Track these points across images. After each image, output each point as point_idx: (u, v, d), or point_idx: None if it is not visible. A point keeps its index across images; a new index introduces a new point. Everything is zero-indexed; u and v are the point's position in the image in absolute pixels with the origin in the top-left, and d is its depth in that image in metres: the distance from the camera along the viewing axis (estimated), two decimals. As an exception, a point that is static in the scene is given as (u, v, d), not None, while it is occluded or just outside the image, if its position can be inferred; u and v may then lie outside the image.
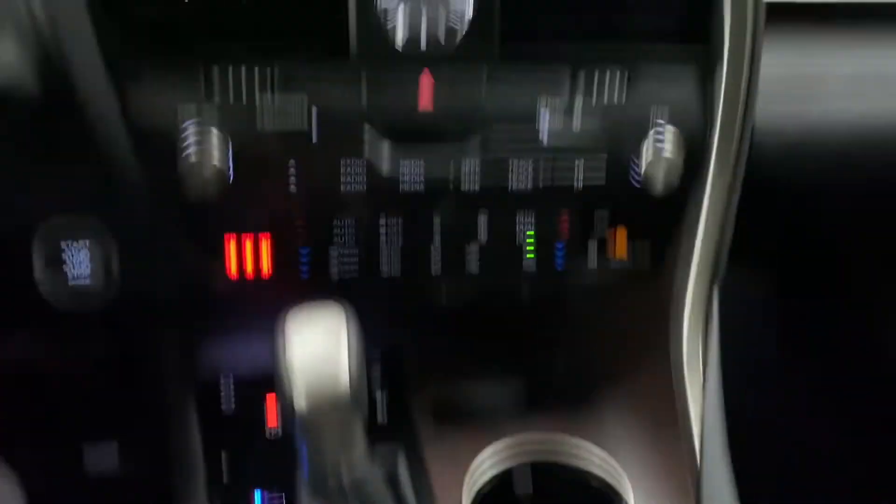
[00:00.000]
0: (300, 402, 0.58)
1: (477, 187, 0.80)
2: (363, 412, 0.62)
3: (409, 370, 0.97)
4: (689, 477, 0.85)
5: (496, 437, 0.90)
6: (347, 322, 0.60)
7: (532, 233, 0.82)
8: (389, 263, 0.81)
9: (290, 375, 0.58)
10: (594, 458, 0.91)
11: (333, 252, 0.79)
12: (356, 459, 0.64)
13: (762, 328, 1.37)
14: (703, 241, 0.84)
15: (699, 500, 0.80)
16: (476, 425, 0.93)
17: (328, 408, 0.59)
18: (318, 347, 0.59)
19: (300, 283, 0.80)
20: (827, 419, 1.40)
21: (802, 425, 1.34)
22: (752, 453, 0.88)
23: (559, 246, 0.83)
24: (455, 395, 0.98)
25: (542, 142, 0.79)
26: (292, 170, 0.75)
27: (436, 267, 0.83)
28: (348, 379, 0.58)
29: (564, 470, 0.91)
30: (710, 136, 0.82)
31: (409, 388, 0.96)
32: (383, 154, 0.77)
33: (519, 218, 0.82)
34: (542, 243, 0.84)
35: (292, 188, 0.76)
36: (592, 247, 0.85)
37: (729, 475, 0.80)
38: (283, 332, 0.60)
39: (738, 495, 0.79)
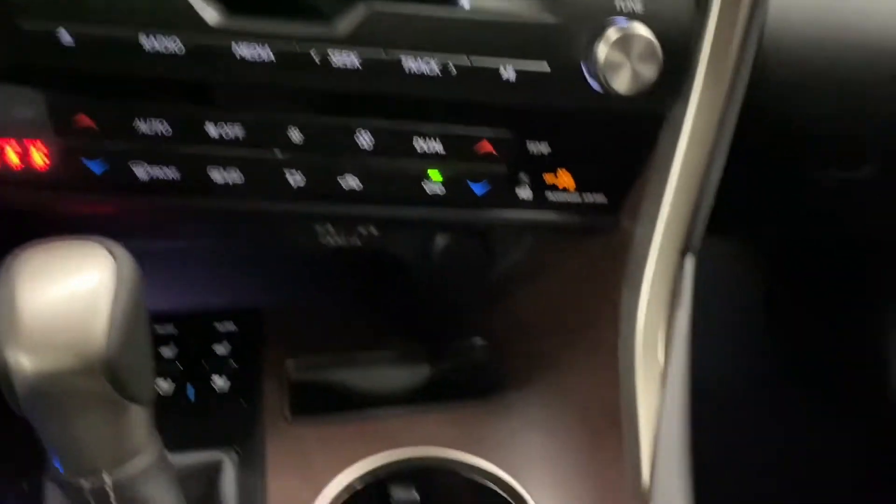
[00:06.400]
0: (21, 361, 0.46)
1: (354, 90, 0.62)
2: (140, 390, 0.52)
3: (249, 337, 0.86)
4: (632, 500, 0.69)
5: (372, 442, 0.78)
6: (120, 265, 0.50)
7: (436, 172, 0.67)
8: (225, 179, 0.66)
9: (10, 325, 0.47)
10: (487, 480, 0.78)
11: (139, 168, 0.63)
12: (127, 455, 0.54)
13: (743, 316, 1.21)
14: (677, 192, 0.69)
15: None
16: (349, 423, 0.81)
17: (68, 374, 0.47)
18: (62, 291, 0.48)
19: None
20: (816, 441, 1.22)
21: (784, 446, 1.16)
22: (720, 472, 0.71)
23: (476, 188, 0.68)
24: (324, 377, 0.86)
25: (454, 34, 0.61)
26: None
27: (295, 191, 0.66)
28: (105, 337, 0.47)
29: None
30: (699, 43, 0.65)
31: (248, 366, 0.84)
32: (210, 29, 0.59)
33: (418, 146, 0.66)
34: (453, 182, 0.68)
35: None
36: (523, 192, 0.70)
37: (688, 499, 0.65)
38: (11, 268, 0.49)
39: None
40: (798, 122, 0.85)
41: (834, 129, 0.87)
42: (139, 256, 0.87)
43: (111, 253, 0.51)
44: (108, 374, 0.48)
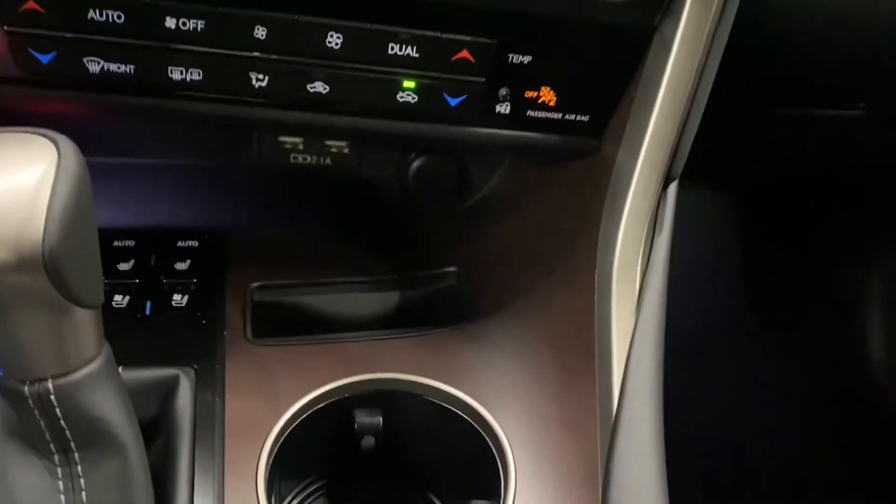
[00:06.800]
0: None
1: None
2: (83, 291, 0.48)
3: (212, 257, 0.83)
4: (599, 431, 0.67)
5: (337, 366, 0.75)
6: (63, 156, 0.46)
7: (411, 81, 0.63)
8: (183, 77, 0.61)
9: None
10: (454, 406, 0.75)
11: (90, 60, 0.59)
12: (72, 362, 0.51)
13: (718, 261, 1.23)
14: (663, 115, 0.65)
15: (609, 467, 0.61)
16: (314, 348, 0.79)
17: (3, 268, 0.44)
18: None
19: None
20: (784, 385, 1.28)
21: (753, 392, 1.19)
22: (690, 413, 0.67)
23: (452, 102, 0.64)
24: (289, 300, 0.84)
25: None
26: None
27: (257, 91, 0.62)
28: (43, 229, 0.44)
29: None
30: None
31: (209, 285, 0.81)
32: None
33: (392, 51, 0.62)
34: (427, 91, 0.64)
35: None
36: (501, 107, 0.67)
37: (657, 433, 0.62)
38: None
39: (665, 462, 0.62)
40: (790, 57, 0.82)
41: (828, 65, 0.84)
42: (107, 171, 0.83)
43: (54, 143, 0.48)
44: (46, 270, 0.45)
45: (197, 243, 0.85)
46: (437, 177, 0.81)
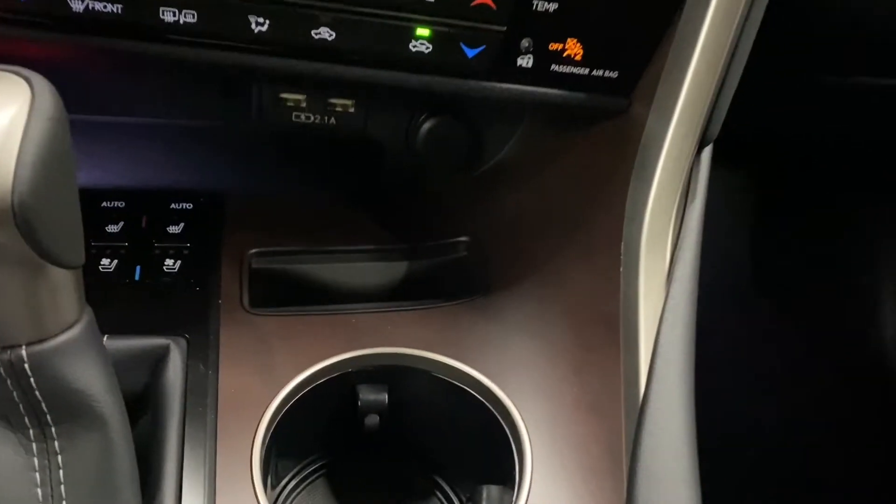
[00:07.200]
0: None
1: None
2: (59, 248, 0.43)
3: (207, 220, 0.80)
4: (624, 412, 0.63)
5: (340, 340, 0.72)
6: (37, 96, 0.41)
7: (425, 28, 0.58)
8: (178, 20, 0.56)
9: None
10: (464, 384, 0.71)
11: (77, 2, 0.55)
12: (49, 328, 0.46)
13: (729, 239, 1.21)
14: (699, 73, 0.60)
15: (637, 451, 0.57)
16: (315, 319, 0.75)
17: None
18: None
19: None
20: (787, 368, 1.27)
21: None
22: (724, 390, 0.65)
23: (470, 53, 0.59)
24: (290, 268, 0.81)
25: None
26: None
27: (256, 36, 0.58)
28: (12, 176, 0.39)
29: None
30: None
31: (204, 250, 0.77)
32: None
33: None
34: (442, 41, 0.59)
35: None
36: (523, 61, 0.62)
37: (688, 416, 0.58)
38: None
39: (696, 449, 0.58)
40: (833, 21, 0.77)
41: (870, 31, 0.79)
42: (95, 127, 0.78)
43: (27, 82, 0.43)
44: (16, 223, 0.40)
45: (192, 206, 0.81)
46: (448, 140, 0.77)
